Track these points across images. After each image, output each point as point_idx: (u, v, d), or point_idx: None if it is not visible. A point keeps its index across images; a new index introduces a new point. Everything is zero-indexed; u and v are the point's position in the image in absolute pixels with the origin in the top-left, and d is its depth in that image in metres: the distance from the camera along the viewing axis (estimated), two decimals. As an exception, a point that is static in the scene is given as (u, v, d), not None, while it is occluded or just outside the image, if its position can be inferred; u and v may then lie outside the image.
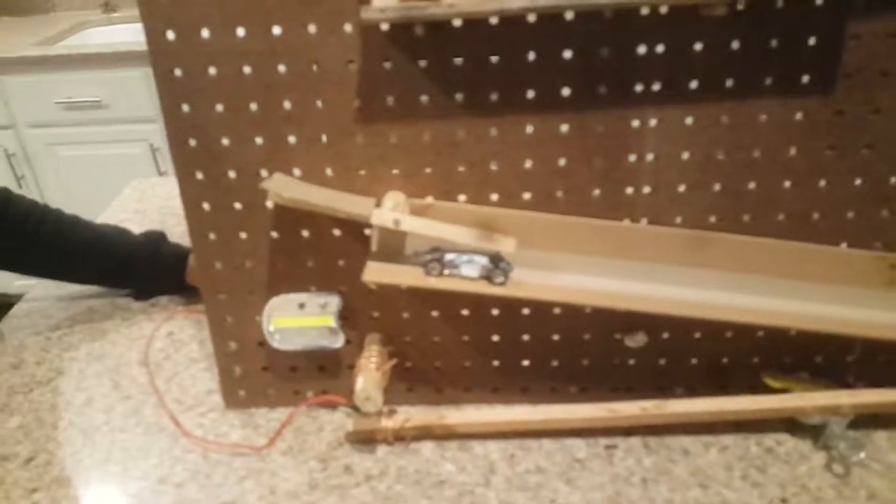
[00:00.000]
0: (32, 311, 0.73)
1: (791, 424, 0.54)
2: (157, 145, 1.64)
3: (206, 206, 0.52)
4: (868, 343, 0.53)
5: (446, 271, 0.49)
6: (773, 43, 0.45)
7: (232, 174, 0.50)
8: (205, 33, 0.46)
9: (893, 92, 0.46)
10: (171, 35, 0.46)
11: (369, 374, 0.51)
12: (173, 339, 0.67)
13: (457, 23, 0.45)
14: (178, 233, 0.85)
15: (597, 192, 0.50)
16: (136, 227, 0.85)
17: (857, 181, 0.49)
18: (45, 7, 1.97)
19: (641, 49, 0.46)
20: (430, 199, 0.50)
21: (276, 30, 0.46)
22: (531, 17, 0.44)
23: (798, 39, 0.45)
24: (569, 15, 0.45)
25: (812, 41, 0.45)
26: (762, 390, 0.55)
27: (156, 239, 0.73)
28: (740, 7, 0.42)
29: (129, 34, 1.89)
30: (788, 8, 0.44)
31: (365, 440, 0.54)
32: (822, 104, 0.47)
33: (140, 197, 0.95)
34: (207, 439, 0.55)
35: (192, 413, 0.58)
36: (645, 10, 0.44)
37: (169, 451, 0.54)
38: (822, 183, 0.50)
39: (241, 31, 0.46)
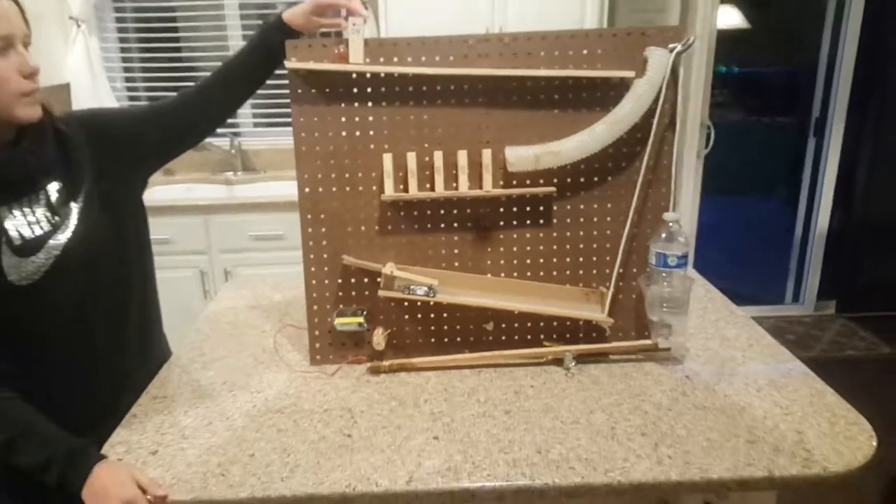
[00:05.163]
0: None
1: (557, 361, 1.28)
2: (205, 270, 2.40)
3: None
4: (561, 323, 1.29)
5: (412, 291, 1.24)
6: (528, 208, 1.26)
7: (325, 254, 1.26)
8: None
9: (577, 227, 1.27)
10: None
11: (378, 336, 1.24)
12: (281, 341, 1.38)
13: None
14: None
15: (470, 264, 1.27)
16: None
17: (568, 259, 1.28)
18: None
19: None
20: (393, 267, 1.27)
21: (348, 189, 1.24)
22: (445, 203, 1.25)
23: (540, 208, 1.26)
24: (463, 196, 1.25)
25: (542, 208, 1.26)
26: (540, 345, 1.29)
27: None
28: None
29: (182, 192, 2.73)
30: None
31: (375, 371, 1.26)
32: (546, 232, 1.27)
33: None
34: (309, 372, 1.26)
35: (297, 365, 1.28)
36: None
37: (289, 381, 1.24)
38: (544, 260, 1.29)
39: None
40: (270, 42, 1.18)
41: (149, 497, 0.93)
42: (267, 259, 2.57)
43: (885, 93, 3.17)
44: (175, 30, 3.05)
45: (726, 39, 3.74)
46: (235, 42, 3.02)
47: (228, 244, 2.59)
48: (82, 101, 2.74)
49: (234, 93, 1.24)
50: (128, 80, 3.10)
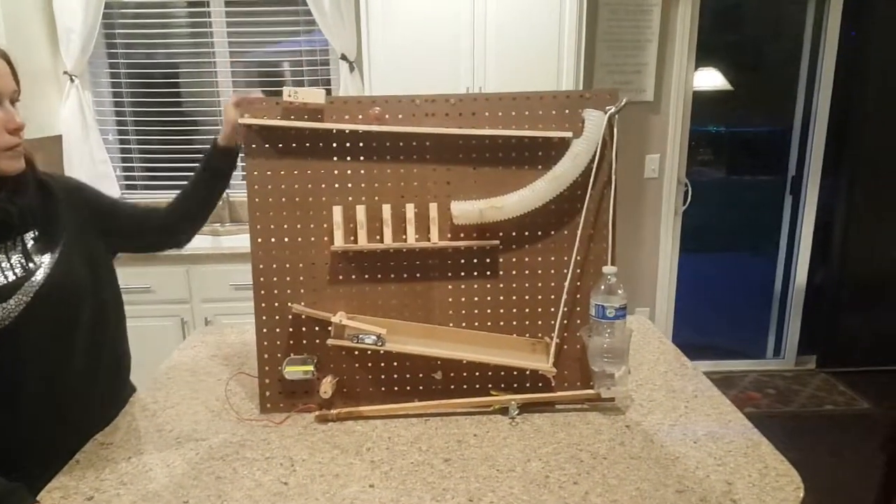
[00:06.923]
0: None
1: (504, 410, 1.29)
2: (186, 319, 2.42)
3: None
4: (509, 373, 1.30)
5: (361, 340, 1.27)
6: (475, 260, 1.30)
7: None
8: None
9: (522, 279, 1.30)
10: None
11: (326, 385, 1.26)
12: (235, 388, 1.40)
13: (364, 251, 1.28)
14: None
15: (419, 313, 1.30)
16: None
17: (514, 310, 1.31)
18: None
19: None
20: (343, 316, 1.30)
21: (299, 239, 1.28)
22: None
23: (486, 260, 1.30)
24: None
25: (488, 260, 1.30)
26: (487, 394, 1.31)
27: None
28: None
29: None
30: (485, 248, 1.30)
31: (323, 420, 1.27)
32: (493, 283, 1.31)
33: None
34: (258, 420, 1.27)
35: (246, 413, 1.30)
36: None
37: (236, 428, 1.26)
38: (491, 310, 1.32)
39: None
40: (214, 166, 1.33)
41: None
42: (247, 308, 2.58)
43: (857, 152, 3.25)
44: (167, 85, 3.17)
45: (709, 100, 3.86)
46: (226, 94, 3.13)
47: (210, 293, 2.62)
48: (74, 152, 2.83)
49: (193, 212, 1.39)
50: (120, 132, 3.20)
